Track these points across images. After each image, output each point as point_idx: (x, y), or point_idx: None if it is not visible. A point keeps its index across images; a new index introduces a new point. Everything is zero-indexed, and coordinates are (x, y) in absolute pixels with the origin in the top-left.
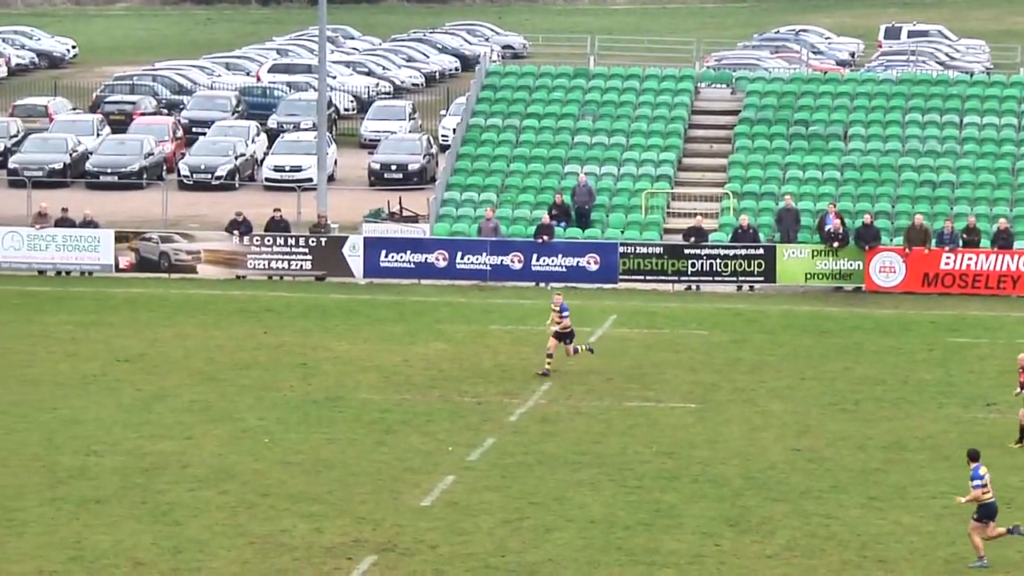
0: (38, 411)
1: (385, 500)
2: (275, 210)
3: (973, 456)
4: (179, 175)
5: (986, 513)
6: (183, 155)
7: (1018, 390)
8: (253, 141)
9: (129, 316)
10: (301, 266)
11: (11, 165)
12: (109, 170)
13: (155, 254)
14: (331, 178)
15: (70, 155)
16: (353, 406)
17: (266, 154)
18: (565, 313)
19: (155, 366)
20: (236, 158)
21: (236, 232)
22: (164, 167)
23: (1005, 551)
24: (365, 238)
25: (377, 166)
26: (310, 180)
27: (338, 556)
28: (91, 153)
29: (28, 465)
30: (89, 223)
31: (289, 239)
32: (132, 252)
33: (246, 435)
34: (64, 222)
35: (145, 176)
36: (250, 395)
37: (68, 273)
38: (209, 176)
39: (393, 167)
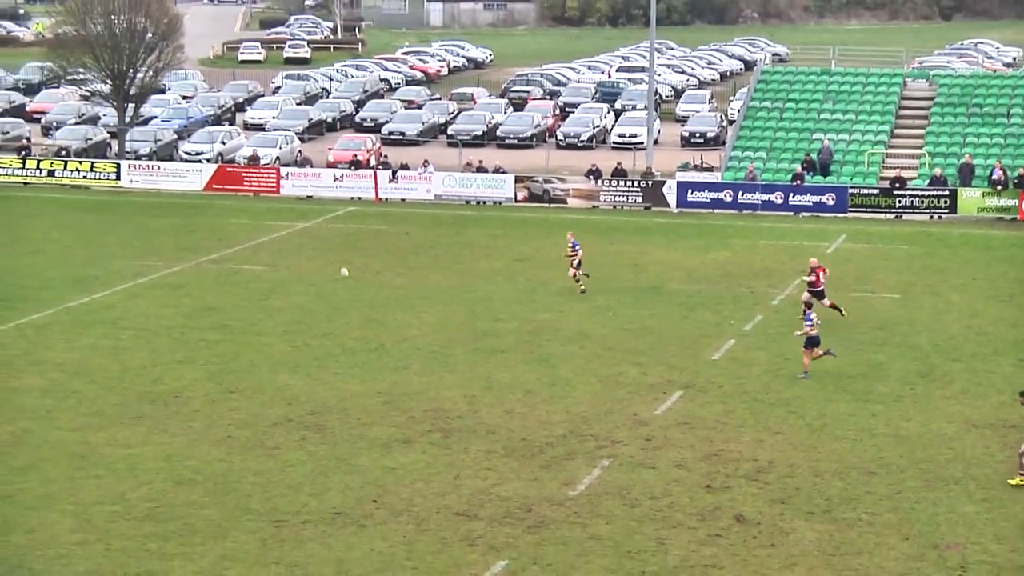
0: (463, 291)
1: (688, 355)
2: (617, 163)
3: (808, 305)
4: (556, 139)
5: (811, 343)
6: (559, 126)
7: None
8: (605, 117)
9: (522, 231)
10: (635, 200)
11: (449, 132)
12: (512, 135)
13: (540, 191)
14: (656, 142)
15: (487, 125)
16: (667, 292)
17: (613, 125)
18: (576, 248)
19: (539, 264)
20: (594, 128)
21: (592, 177)
22: (547, 133)
23: (885, 515)
24: (678, 181)
25: (687, 134)
26: (642, 143)
27: (657, 391)
28: (500, 124)
29: (457, 327)
30: (498, 170)
31: (627, 181)
32: (525, 189)
33: (597, 310)
34: (481, 169)
35: (535, 140)
36: (600, 284)
37: (483, 202)
38: (576, 140)
39: (697, 134)
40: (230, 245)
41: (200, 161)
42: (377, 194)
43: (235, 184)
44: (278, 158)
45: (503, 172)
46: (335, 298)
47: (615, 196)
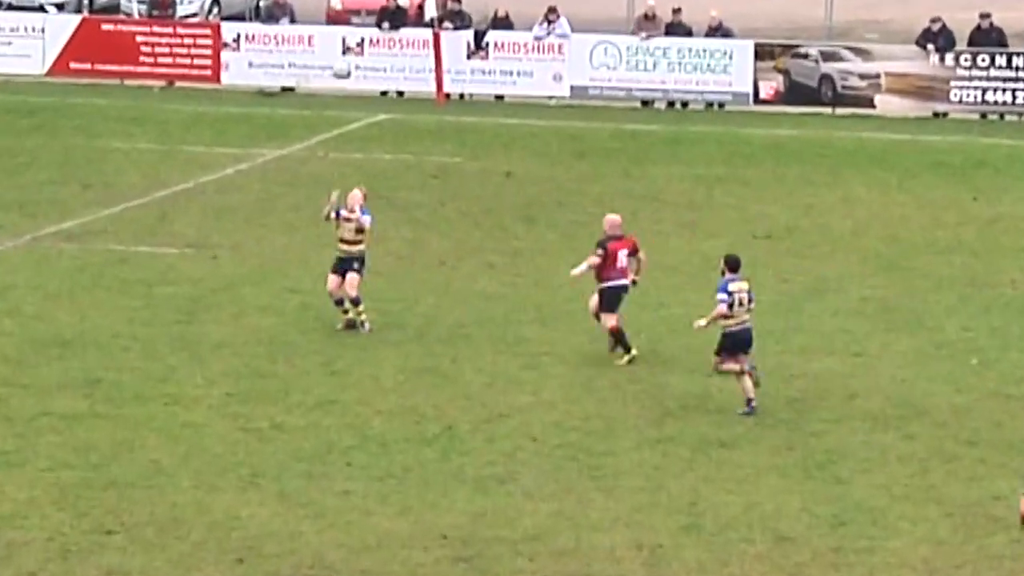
0: (639, 307)
1: None
2: (982, 16)
3: (732, 265)
4: None
5: (731, 344)
6: None
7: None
8: None
9: (771, 170)
10: None
11: None
12: None
13: (813, 78)
14: None
15: None
16: None
17: None
18: (363, 219)
19: (810, 245)
20: None
21: (932, 47)
22: None
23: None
24: None
25: None
26: None
27: None
28: None
29: (624, 388)
30: (716, 30)
31: (1015, 57)
32: (779, 75)
33: (942, 351)
34: (678, 28)
35: None
36: (950, 292)
37: (681, 104)
38: None
39: None
40: (108, 199)
41: (43, 9)
42: (440, 84)
43: (118, 60)
44: (217, 1)
45: (725, 34)
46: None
47: (985, 91)
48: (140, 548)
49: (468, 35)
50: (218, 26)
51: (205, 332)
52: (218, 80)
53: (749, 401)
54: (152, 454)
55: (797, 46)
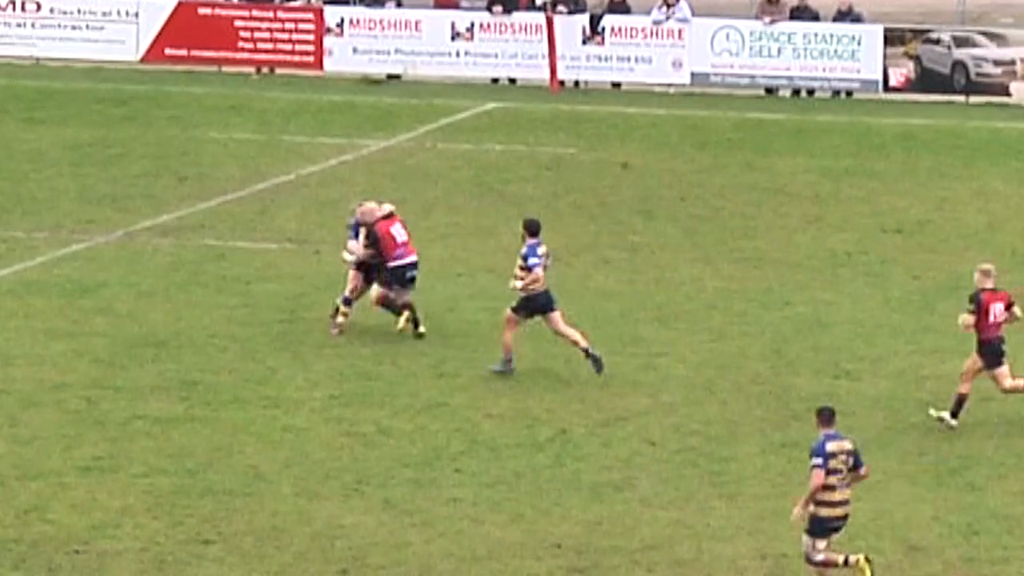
0: (762, 308)
1: None
2: None
3: (532, 229)
4: None
5: (531, 307)
6: None
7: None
8: None
9: (901, 161)
10: None
11: None
12: None
13: (945, 65)
14: None
15: None
16: None
17: None
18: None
19: (943, 240)
20: None
21: None
22: None
23: None
24: None
25: None
26: None
27: None
28: None
29: (747, 390)
30: (845, 14)
31: None
32: (910, 61)
33: None
34: (804, 12)
35: None
36: None
37: (811, 93)
38: None
39: None
40: (205, 192)
41: None
42: (554, 71)
43: (216, 46)
44: None
45: (854, 18)
46: (454, 320)
47: None
48: (239, 559)
49: (583, 19)
50: (321, 10)
51: (307, 332)
52: (321, 67)
53: (508, 361)
54: (251, 460)
55: (929, 31)
